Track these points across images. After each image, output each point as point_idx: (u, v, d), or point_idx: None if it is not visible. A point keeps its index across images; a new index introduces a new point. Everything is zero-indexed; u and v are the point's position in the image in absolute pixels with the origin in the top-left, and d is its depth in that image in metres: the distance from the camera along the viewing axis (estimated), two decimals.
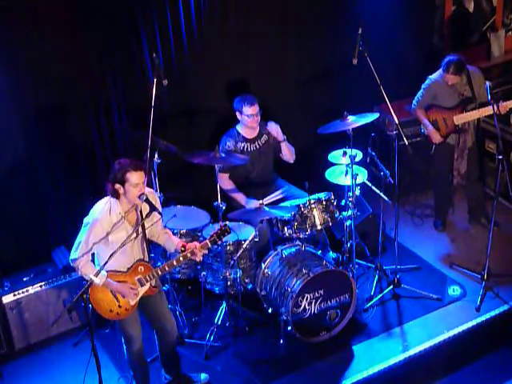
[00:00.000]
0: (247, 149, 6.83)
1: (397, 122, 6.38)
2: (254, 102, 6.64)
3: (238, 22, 7.26)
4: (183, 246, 5.36)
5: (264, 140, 6.92)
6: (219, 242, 5.43)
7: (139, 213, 5.18)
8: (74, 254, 5.08)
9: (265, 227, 6.67)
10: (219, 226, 5.42)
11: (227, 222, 5.95)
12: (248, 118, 6.67)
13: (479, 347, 6.44)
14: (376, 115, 6.40)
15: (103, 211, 5.07)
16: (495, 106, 6.39)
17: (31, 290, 6.30)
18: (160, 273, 5.28)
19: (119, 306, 5.21)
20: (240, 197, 6.81)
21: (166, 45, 6.91)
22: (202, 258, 5.39)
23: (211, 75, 7.31)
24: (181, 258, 5.28)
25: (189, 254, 5.28)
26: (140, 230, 5.17)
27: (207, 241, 5.34)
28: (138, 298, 5.26)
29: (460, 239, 7.64)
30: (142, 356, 5.57)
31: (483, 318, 6.46)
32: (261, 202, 6.17)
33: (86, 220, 5.09)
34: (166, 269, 5.30)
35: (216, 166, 6.07)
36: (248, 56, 7.47)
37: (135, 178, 4.97)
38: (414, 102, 7.23)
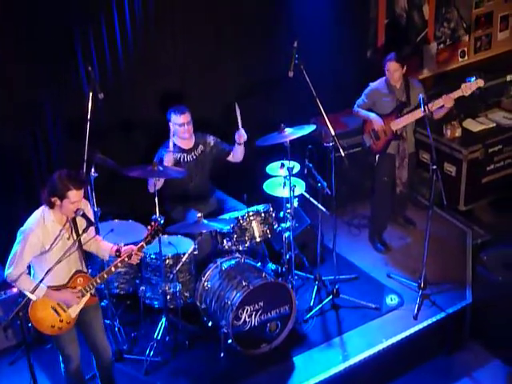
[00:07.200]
0: (184, 159, 6.81)
1: (333, 133, 6.47)
2: (185, 111, 6.64)
3: (174, 34, 7.25)
4: (117, 251, 5.28)
5: (200, 150, 6.91)
6: (152, 242, 5.37)
7: (71, 223, 5.09)
8: (9, 268, 4.95)
9: (205, 240, 6.65)
10: (150, 225, 5.36)
11: (157, 217, 5.83)
12: (179, 128, 6.67)
13: (417, 355, 6.54)
14: (313, 127, 6.45)
15: (37, 221, 4.98)
16: (427, 109, 6.57)
17: None
18: (99, 281, 5.21)
19: (61, 321, 5.12)
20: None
21: (102, 58, 6.84)
22: (138, 261, 5.36)
23: (147, 88, 7.27)
24: (118, 264, 5.22)
25: (126, 259, 5.22)
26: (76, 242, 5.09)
27: (142, 242, 5.27)
28: (79, 309, 5.18)
29: (396, 248, 7.73)
30: (79, 375, 5.47)
31: (421, 326, 6.55)
32: (199, 214, 6.15)
33: (20, 231, 4.98)
34: (105, 276, 5.22)
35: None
36: (184, 69, 7.44)
37: (75, 195, 4.90)
38: (356, 105, 7.31)
